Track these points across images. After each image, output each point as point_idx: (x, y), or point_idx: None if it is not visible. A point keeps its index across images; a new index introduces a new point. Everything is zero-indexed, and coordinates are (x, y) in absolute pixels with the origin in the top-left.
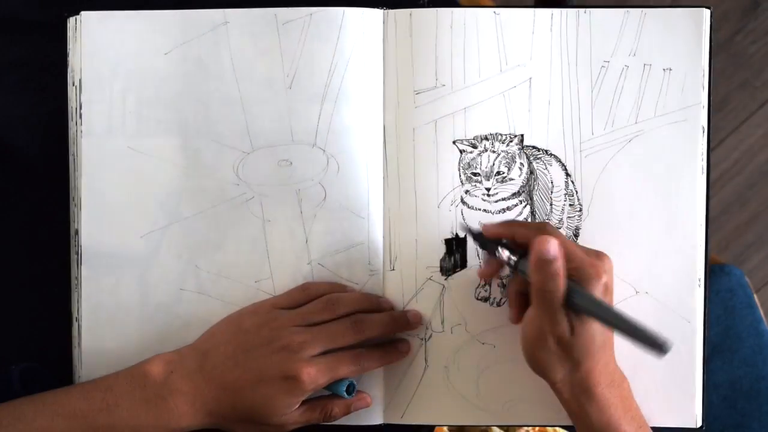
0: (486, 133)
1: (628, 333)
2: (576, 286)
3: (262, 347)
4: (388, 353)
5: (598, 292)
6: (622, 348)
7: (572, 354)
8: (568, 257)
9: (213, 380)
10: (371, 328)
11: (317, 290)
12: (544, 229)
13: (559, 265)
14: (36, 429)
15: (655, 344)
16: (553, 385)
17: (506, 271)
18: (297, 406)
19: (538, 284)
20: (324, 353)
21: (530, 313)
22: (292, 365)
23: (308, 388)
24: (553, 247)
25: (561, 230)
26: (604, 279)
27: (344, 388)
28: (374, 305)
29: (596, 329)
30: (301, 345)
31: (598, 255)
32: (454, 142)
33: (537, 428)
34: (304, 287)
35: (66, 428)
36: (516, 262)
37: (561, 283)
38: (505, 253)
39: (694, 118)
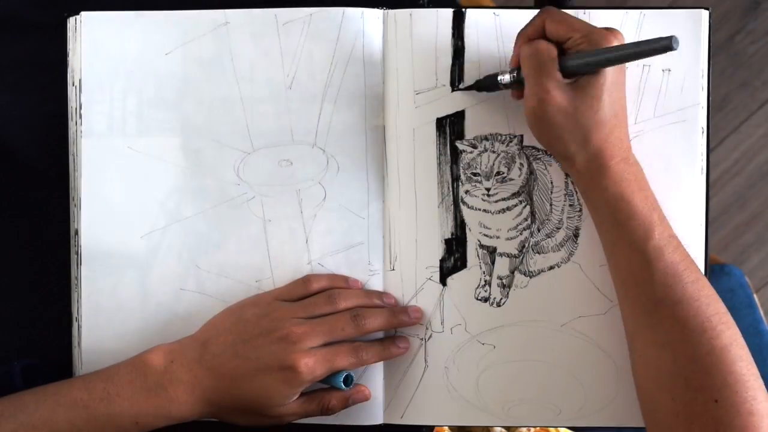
0: (486, 134)
1: (635, 54)
2: (568, 55)
3: (261, 337)
4: (387, 348)
5: None
6: None
7: (579, 123)
8: (575, 26)
9: (212, 369)
10: (371, 322)
11: (318, 283)
12: (545, 10)
13: (544, 43)
14: (37, 419)
15: (662, 46)
16: (566, 159)
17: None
18: (295, 396)
19: (526, 58)
20: (323, 346)
21: (526, 90)
22: (290, 355)
23: (306, 378)
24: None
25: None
26: (615, 44)
27: (341, 379)
28: (376, 301)
29: (598, 91)
30: (301, 336)
31: (610, 28)
32: (454, 142)
33: (537, 428)
34: (306, 280)
35: (67, 418)
36: (516, 73)
37: (548, 49)
38: (505, 76)
39: (693, 119)
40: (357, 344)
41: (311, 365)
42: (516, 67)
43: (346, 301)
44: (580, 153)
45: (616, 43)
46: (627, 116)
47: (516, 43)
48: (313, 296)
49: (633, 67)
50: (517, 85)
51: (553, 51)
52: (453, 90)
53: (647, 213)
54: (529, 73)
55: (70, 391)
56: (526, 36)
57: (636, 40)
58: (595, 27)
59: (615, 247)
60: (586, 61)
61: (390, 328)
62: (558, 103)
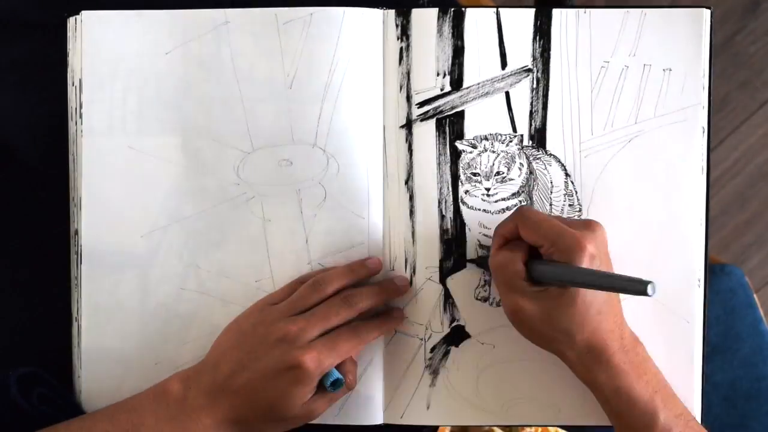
0: (486, 133)
1: (604, 287)
2: (539, 262)
3: (261, 345)
4: (385, 321)
5: (583, 262)
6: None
7: (561, 327)
8: (545, 234)
9: (226, 389)
10: (362, 300)
11: (305, 279)
12: (519, 213)
13: (509, 255)
14: None
15: (636, 290)
16: (558, 354)
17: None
18: (312, 392)
19: (494, 269)
20: (322, 335)
21: (501, 297)
22: (292, 355)
23: (315, 372)
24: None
25: None
26: (589, 249)
27: (330, 383)
28: (361, 274)
29: (574, 298)
30: (297, 333)
31: (586, 224)
32: (454, 142)
33: (537, 428)
34: (298, 281)
35: None
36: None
37: (513, 263)
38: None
39: (693, 119)
40: (355, 324)
41: (316, 358)
42: None
43: (332, 285)
44: (568, 351)
45: (589, 249)
46: (618, 303)
47: (493, 238)
48: (298, 290)
49: (633, 67)
50: None
51: (519, 265)
52: (467, 264)
53: (648, 400)
54: (497, 285)
55: (94, 424)
56: (502, 236)
57: (636, 46)
58: (567, 230)
59: None
60: (554, 276)
61: (381, 303)
62: (530, 313)
